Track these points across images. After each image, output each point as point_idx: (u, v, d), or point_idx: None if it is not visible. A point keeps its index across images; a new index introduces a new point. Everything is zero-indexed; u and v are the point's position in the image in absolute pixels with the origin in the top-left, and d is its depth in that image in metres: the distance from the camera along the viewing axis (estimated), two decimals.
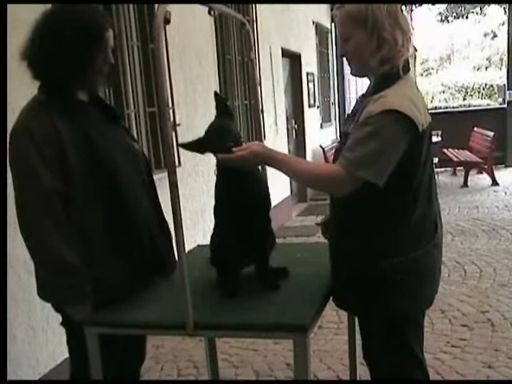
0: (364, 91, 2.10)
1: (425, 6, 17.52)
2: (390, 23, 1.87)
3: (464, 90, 22.61)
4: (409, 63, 2.00)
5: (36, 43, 1.97)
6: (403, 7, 1.94)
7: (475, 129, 10.81)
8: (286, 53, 8.06)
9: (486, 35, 25.04)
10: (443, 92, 22.90)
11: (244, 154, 1.88)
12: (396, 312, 1.98)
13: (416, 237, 1.95)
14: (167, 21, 1.71)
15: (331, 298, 2.09)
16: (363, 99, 1.99)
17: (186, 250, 1.84)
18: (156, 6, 4.06)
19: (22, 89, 2.04)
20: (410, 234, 1.93)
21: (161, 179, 2.74)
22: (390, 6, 1.89)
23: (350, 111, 2.19)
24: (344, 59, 2.08)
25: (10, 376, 2.76)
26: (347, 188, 1.83)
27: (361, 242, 1.96)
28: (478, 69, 25.03)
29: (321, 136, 9.87)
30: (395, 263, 1.91)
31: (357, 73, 2.07)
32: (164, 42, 1.75)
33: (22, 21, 2.04)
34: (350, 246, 1.99)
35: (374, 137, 1.79)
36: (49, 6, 2.04)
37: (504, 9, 20.85)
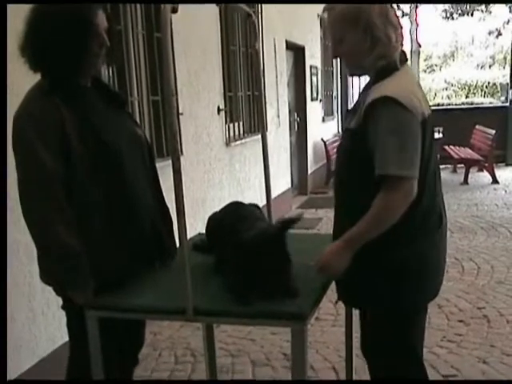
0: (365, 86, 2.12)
1: None
2: (382, 21, 1.90)
3: (467, 88, 22.58)
4: (405, 54, 2.01)
5: (29, 38, 1.98)
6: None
7: (477, 126, 10.82)
8: (289, 45, 8.05)
9: (490, 33, 24.95)
10: (446, 89, 22.87)
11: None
12: (401, 304, 2.00)
13: (421, 228, 1.96)
14: (175, 10, 1.72)
15: (337, 294, 2.13)
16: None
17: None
18: None
19: (23, 68, 2.04)
20: (415, 226, 1.94)
21: (163, 167, 2.75)
22: (381, 4, 1.91)
23: (351, 106, 2.20)
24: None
25: (10, 359, 2.78)
26: (413, 191, 1.83)
27: None
28: (481, 67, 24.98)
29: (323, 129, 9.88)
30: (401, 256, 1.93)
31: (353, 72, 2.07)
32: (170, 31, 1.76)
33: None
34: None
35: (395, 133, 1.80)
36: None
37: (509, 7, 20.84)
